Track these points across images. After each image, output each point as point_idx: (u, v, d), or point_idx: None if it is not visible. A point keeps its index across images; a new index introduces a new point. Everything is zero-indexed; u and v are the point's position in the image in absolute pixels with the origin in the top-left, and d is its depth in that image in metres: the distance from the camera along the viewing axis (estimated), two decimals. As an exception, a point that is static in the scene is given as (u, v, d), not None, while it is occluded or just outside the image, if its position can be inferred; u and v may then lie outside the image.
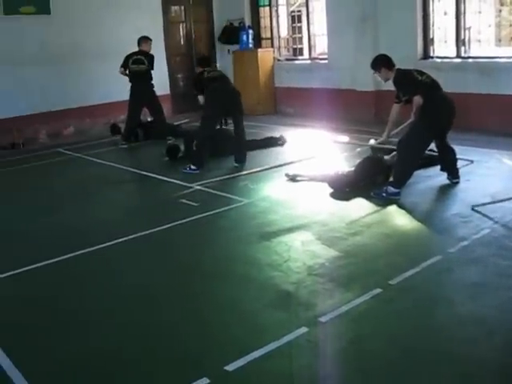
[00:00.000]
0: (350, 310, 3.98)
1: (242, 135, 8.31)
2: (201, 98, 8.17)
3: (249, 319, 4.01)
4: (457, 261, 4.70)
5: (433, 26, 10.06)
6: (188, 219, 6.02)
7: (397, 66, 6.54)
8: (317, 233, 5.47)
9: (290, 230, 5.60)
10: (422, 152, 6.49)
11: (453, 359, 3.39)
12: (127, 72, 10.13)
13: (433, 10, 10.20)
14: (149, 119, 10.93)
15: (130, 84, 10.19)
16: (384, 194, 6.20)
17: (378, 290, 4.21)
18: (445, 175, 6.81)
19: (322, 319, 3.85)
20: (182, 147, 8.62)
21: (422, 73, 6.43)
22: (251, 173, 7.73)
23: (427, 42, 10.20)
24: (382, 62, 6.60)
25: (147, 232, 5.74)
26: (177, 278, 4.79)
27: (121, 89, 10.47)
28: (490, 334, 3.62)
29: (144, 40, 10.21)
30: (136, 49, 10.17)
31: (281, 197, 6.62)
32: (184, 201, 6.66)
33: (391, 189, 6.21)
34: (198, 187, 7.15)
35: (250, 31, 13.03)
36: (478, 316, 3.84)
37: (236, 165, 8.14)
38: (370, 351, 3.53)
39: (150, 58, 10.23)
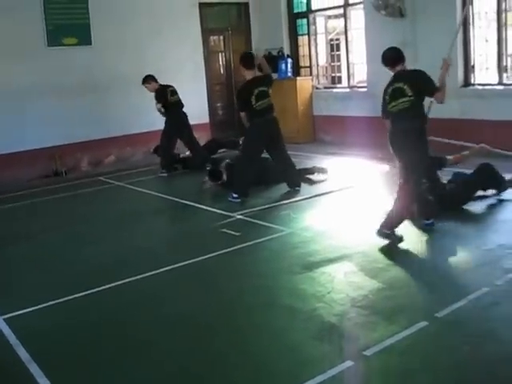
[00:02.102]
0: (395, 343, 3.91)
1: (290, 160, 8.46)
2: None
3: (294, 351, 3.98)
4: (504, 294, 4.59)
5: (474, 52, 9.98)
6: (229, 249, 6.03)
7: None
8: (359, 264, 5.42)
9: (333, 260, 5.56)
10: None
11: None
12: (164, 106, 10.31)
13: (473, 37, 10.14)
14: (187, 153, 11.03)
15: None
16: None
17: (424, 323, 4.14)
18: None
19: (367, 353, 3.79)
20: (224, 175, 8.66)
21: None
22: (292, 202, 7.73)
23: (468, 69, 10.12)
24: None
25: (189, 262, 5.76)
26: (220, 308, 4.79)
27: (161, 118, 10.60)
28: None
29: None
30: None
31: (323, 226, 6.59)
32: (225, 230, 6.68)
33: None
34: (240, 216, 7.17)
35: (289, 60, 13.11)
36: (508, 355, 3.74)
37: (296, 188, 8.31)
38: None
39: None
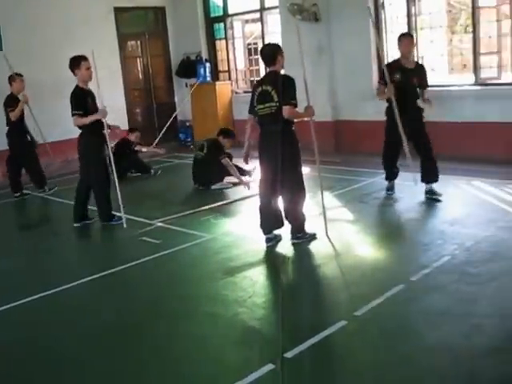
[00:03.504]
0: (316, 343, 3.96)
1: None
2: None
3: (216, 358, 3.97)
4: (420, 289, 4.74)
5: (387, 56, 10.26)
6: (150, 257, 5.96)
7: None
8: (281, 266, 5.47)
9: (254, 264, 5.59)
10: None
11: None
12: None
13: (386, 41, 10.42)
14: None
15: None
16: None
17: (344, 323, 4.21)
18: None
19: (288, 355, 3.82)
20: None
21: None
22: (213, 207, 7.71)
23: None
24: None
25: (109, 272, 5.67)
26: (142, 317, 4.72)
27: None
28: (455, 362, 3.65)
29: None
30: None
31: (244, 231, 6.61)
32: (145, 238, 6.60)
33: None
34: (160, 224, 7.10)
35: (208, 64, 13.13)
36: (442, 344, 3.87)
37: None
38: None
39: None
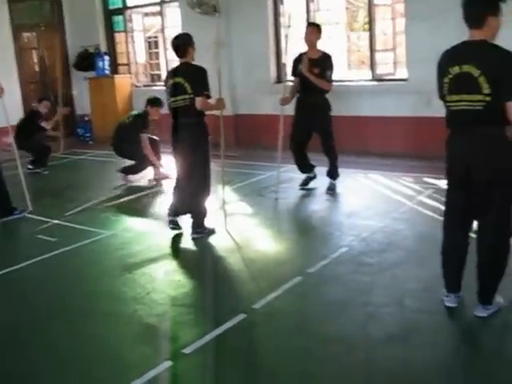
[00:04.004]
0: (214, 338, 3.95)
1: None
2: None
3: (115, 357, 3.88)
4: (317, 280, 4.81)
5: (285, 51, 10.35)
6: (46, 255, 5.75)
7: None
8: (180, 262, 5.44)
9: (154, 260, 5.51)
10: None
11: (314, 379, 3.46)
12: None
13: (286, 36, 10.50)
14: None
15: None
16: None
17: (243, 316, 4.21)
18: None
19: (186, 351, 3.79)
20: None
21: None
22: (113, 203, 7.55)
23: (280, 66, 10.49)
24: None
25: (2, 272, 5.43)
26: (38, 318, 4.53)
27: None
28: (351, 351, 3.72)
29: None
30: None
31: (144, 227, 6.51)
32: (41, 236, 6.37)
33: None
34: (56, 221, 6.87)
35: (106, 57, 12.84)
36: (338, 334, 3.94)
37: None
38: (231, 379, 3.51)
39: None
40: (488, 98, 3.69)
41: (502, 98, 3.68)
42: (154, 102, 8.78)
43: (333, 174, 7.45)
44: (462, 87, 3.80)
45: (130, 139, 8.41)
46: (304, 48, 7.43)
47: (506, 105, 3.68)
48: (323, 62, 7.22)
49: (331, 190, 7.36)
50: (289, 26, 7.67)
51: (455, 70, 3.81)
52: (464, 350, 3.76)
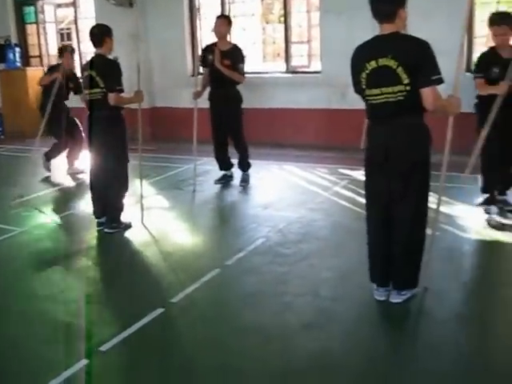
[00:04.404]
0: (132, 334, 3.90)
1: None
2: None
3: (28, 356, 3.76)
4: (234, 272, 4.84)
5: (201, 43, 10.33)
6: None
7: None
8: (96, 257, 5.35)
9: (68, 256, 5.37)
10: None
11: (231, 370, 3.47)
12: None
13: (200, 29, 10.48)
14: None
15: None
16: None
17: (160, 310, 4.18)
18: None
19: (103, 348, 3.73)
20: None
21: None
22: (23, 200, 7.31)
23: (195, 58, 10.42)
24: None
25: None
26: None
27: None
28: (268, 341, 3.76)
29: None
30: None
31: (58, 223, 6.37)
32: None
33: None
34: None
35: (17, 49, 12.42)
36: (256, 324, 3.98)
37: None
38: (149, 375, 3.49)
39: None
40: (408, 88, 3.79)
41: (418, 85, 3.77)
42: (62, 49, 8.53)
43: (244, 165, 7.49)
44: (381, 81, 3.87)
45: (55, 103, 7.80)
46: (214, 40, 7.39)
47: (422, 91, 3.78)
48: (233, 54, 7.20)
49: (244, 182, 7.41)
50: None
51: (372, 64, 3.88)
52: (381, 336, 3.85)
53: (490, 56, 5.66)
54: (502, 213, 5.91)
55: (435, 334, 3.80)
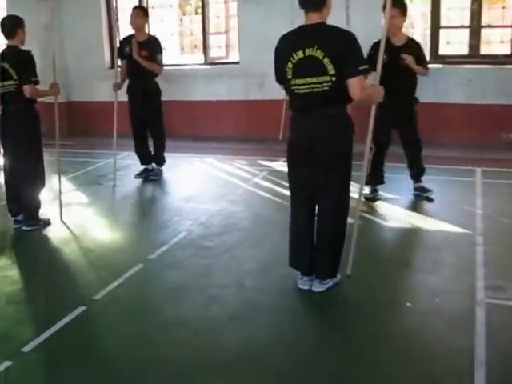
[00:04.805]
0: (54, 333, 3.83)
1: None
2: None
3: None
4: (158, 267, 4.83)
5: (119, 35, 10.17)
6: None
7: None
8: (14, 256, 5.22)
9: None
10: None
11: (156, 364, 3.47)
12: None
13: (117, 20, 10.30)
14: None
15: None
16: None
17: (83, 308, 4.13)
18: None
19: (25, 349, 3.64)
20: None
21: None
22: None
23: (114, 50, 10.28)
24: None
25: None
26: None
27: None
28: (193, 334, 3.77)
29: None
30: None
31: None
32: None
33: None
34: None
35: None
36: (182, 318, 3.99)
37: None
38: (72, 374, 3.44)
39: None
40: (334, 78, 3.85)
41: (345, 76, 3.84)
42: None
43: (159, 159, 7.46)
44: (307, 71, 3.90)
45: None
46: (133, 31, 7.30)
47: (348, 82, 3.86)
48: (151, 45, 7.14)
49: (157, 176, 7.39)
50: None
51: (299, 54, 3.90)
52: (304, 325, 3.92)
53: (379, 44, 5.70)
54: (418, 199, 6.22)
55: (357, 320, 3.93)
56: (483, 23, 8.89)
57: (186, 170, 7.77)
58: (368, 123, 4.46)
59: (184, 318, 3.98)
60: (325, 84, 3.88)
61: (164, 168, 7.56)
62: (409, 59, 5.72)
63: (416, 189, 6.35)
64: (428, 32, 9.20)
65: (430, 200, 6.21)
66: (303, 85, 3.94)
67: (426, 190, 6.29)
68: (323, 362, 3.45)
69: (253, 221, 5.85)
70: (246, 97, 9.42)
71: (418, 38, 10.79)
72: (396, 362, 3.43)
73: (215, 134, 9.45)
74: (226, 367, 3.42)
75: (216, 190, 6.81)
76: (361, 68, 3.87)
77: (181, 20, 14.76)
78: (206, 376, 3.35)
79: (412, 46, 5.94)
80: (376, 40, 5.44)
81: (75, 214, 6.19)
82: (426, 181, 6.36)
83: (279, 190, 6.58)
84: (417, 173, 6.34)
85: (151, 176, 7.36)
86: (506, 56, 8.84)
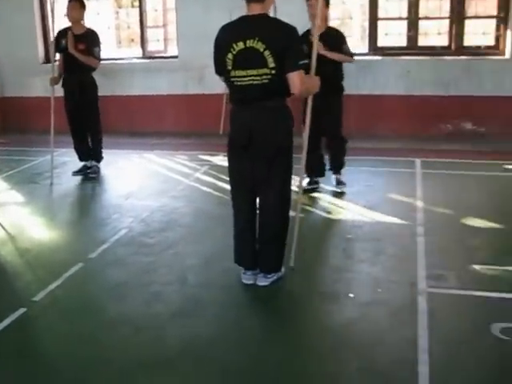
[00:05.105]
0: (-7, 337, 3.72)
1: None
2: None
3: None
4: (99, 265, 4.73)
5: (53, 29, 9.92)
6: None
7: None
8: None
9: None
10: None
11: (100, 363, 3.40)
12: None
13: (52, 13, 10.03)
14: None
15: None
16: None
17: (22, 310, 4.00)
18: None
19: (-37, 355, 3.52)
20: None
21: None
22: None
23: (48, 45, 10.02)
24: None
25: None
26: None
27: None
28: (137, 332, 3.71)
29: None
30: None
31: None
32: None
33: None
34: None
35: None
36: (125, 316, 3.91)
37: None
38: (12, 378, 3.32)
39: None
40: (274, 71, 3.82)
41: (285, 69, 3.82)
42: None
43: (97, 156, 7.33)
44: (247, 62, 3.86)
45: None
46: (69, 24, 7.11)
47: (288, 76, 3.84)
48: (88, 38, 6.98)
49: (95, 173, 7.25)
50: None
51: (239, 45, 3.85)
52: (249, 320, 3.90)
53: (304, 35, 5.68)
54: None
55: (301, 313, 3.93)
56: (421, 15, 9.07)
57: (125, 166, 7.65)
58: (302, 116, 4.46)
59: (127, 316, 3.92)
60: (264, 77, 3.85)
61: (102, 165, 7.42)
62: (319, 46, 5.66)
63: (334, 180, 6.44)
64: (367, 24, 9.28)
65: (341, 194, 6.30)
66: (243, 77, 3.90)
67: (341, 183, 6.41)
68: (268, 356, 3.44)
69: (194, 216, 5.80)
70: (185, 91, 9.35)
71: (356, 29, 10.95)
72: (339, 353, 3.45)
73: (154, 129, 9.34)
74: (169, 364, 3.37)
75: (156, 186, 6.73)
76: (301, 62, 3.86)
77: (117, 13, 14.51)
78: (150, 373, 3.30)
79: (331, 35, 6.03)
80: (303, 32, 5.51)
81: (11, 214, 6.01)
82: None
83: (220, 184, 6.54)
84: (338, 165, 6.45)
85: (89, 173, 7.21)
86: (443, 47, 9.03)
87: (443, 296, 4.10)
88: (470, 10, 9.20)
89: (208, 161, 7.69)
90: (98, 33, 7.20)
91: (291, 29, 3.89)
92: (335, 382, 3.22)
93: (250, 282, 4.27)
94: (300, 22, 5.39)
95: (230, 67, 3.94)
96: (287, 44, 3.83)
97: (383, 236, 5.14)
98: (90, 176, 7.17)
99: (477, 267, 4.49)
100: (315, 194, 6.26)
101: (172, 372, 3.31)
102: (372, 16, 9.12)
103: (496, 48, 8.84)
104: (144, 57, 10.00)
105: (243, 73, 3.89)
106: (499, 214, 5.61)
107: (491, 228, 5.33)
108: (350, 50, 6.15)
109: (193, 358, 3.43)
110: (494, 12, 8.92)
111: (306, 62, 3.94)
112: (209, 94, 8.87)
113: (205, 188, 6.59)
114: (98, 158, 7.30)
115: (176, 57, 9.62)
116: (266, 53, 3.80)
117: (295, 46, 3.88)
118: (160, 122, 9.42)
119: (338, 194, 6.29)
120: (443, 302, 4.03)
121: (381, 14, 9.16)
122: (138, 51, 10.19)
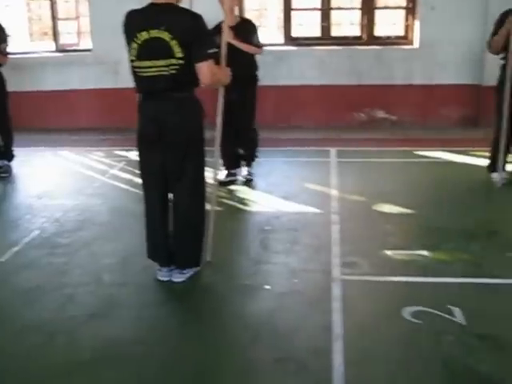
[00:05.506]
0: None
1: None
2: None
3: None
4: (10, 269, 4.57)
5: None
6: None
7: None
8: None
9: None
10: None
11: (8, 375, 3.27)
12: None
13: None
14: None
15: None
16: None
17: None
18: None
19: None
20: None
21: None
22: None
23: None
24: None
25: None
26: None
27: None
28: (50, 338, 3.60)
29: None
30: None
31: None
32: None
33: None
34: None
35: None
36: (37, 322, 3.79)
37: None
38: None
39: None
40: (181, 62, 3.76)
41: (194, 59, 3.77)
42: None
43: (7, 154, 7.08)
44: (153, 53, 3.78)
45: None
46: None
47: (196, 66, 3.79)
48: None
49: (6, 173, 7.01)
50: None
51: (144, 35, 3.77)
52: (166, 317, 3.85)
53: (217, 26, 5.66)
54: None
55: (218, 307, 3.95)
56: (333, 5, 9.20)
57: (38, 164, 7.43)
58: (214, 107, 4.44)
59: (40, 322, 3.80)
60: (172, 67, 3.78)
61: (14, 163, 7.16)
62: (229, 35, 5.61)
63: (245, 171, 6.52)
64: (282, 15, 9.34)
65: (248, 184, 6.38)
66: (149, 67, 3.82)
67: (251, 175, 6.48)
68: (187, 353, 3.43)
69: (111, 214, 5.70)
70: (99, 85, 9.16)
71: (272, 20, 11.00)
72: (256, 344, 3.47)
73: (68, 125, 9.12)
74: (85, 368, 3.29)
75: (71, 185, 6.57)
76: (210, 51, 3.83)
77: (28, 5, 14.09)
78: (63, 381, 3.21)
79: (243, 26, 6.06)
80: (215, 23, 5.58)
81: None
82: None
83: (137, 180, 6.35)
84: (250, 157, 6.51)
85: (0, 173, 6.96)
86: (355, 37, 9.18)
87: (357, 283, 4.19)
88: (380, 0, 9.41)
89: (124, 156, 7.58)
90: (8, 26, 6.93)
91: (197, 17, 3.81)
92: (252, 374, 3.23)
93: (166, 278, 4.24)
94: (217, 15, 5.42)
95: (133, 57, 3.86)
96: (194, 33, 3.77)
97: (300, 226, 5.20)
98: (1, 176, 6.93)
99: (389, 253, 4.61)
100: (232, 187, 6.27)
101: (86, 377, 3.23)
102: (286, 6, 9.18)
103: (405, 38, 9.07)
104: (56, 50, 9.74)
105: (149, 63, 3.81)
106: (411, 200, 5.78)
107: (403, 214, 5.49)
108: (260, 41, 6.17)
109: (109, 360, 3.36)
110: (403, 3, 9.14)
111: (216, 50, 3.91)
112: (124, 88, 8.69)
113: (121, 184, 6.49)
114: (9, 157, 7.06)
115: (90, 50, 9.42)
116: (173, 43, 3.73)
117: (203, 34, 3.83)
118: (74, 117, 9.21)
119: (249, 184, 6.37)
120: (357, 288, 4.12)
121: (295, 4, 9.23)
122: (50, 45, 9.91)
